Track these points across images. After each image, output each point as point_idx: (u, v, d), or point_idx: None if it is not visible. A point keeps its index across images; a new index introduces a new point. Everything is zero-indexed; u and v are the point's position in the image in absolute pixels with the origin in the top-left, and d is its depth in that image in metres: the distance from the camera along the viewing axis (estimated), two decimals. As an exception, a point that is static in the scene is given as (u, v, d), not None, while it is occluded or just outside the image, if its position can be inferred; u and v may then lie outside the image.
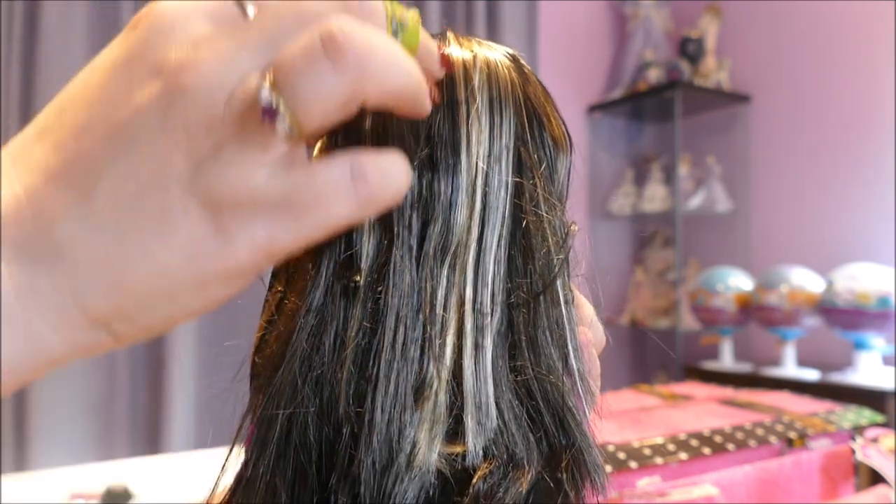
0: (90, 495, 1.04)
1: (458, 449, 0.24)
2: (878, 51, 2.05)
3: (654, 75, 2.45)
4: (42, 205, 0.19)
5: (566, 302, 0.28)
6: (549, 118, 0.31)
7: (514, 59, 0.31)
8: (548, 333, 0.27)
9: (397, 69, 0.20)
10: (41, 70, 1.59)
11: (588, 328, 0.31)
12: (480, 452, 0.25)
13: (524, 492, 0.24)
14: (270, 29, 0.20)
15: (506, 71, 0.30)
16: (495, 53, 0.30)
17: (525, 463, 0.25)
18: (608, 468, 0.91)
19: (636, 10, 2.59)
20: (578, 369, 0.28)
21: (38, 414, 1.59)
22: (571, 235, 0.30)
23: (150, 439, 1.72)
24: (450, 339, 0.26)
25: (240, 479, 0.27)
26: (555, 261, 0.28)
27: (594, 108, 2.59)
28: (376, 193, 0.21)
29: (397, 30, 0.22)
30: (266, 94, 0.19)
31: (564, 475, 0.26)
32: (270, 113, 0.19)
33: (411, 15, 0.23)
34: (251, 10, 0.21)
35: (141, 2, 1.74)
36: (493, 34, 2.25)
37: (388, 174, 0.21)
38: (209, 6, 0.21)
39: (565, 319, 0.28)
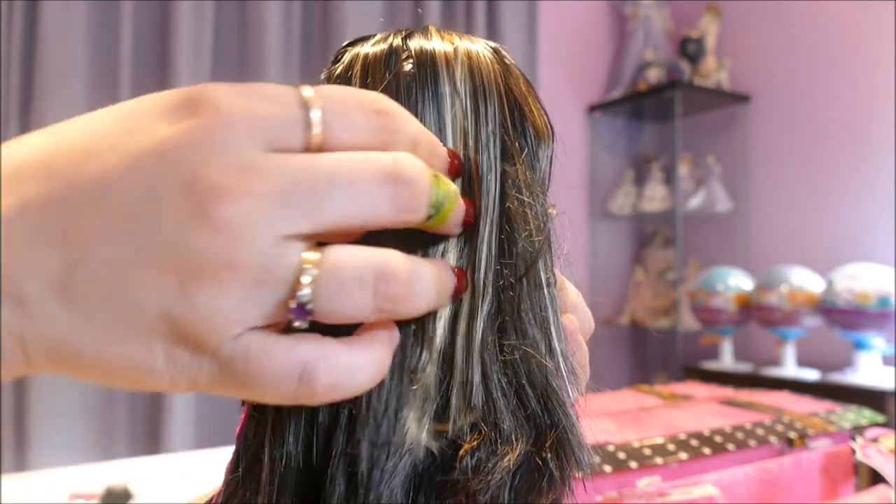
0: (90, 495, 1.04)
1: (450, 427, 0.24)
2: (877, 51, 2.05)
3: (654, 75, 2.45)
4: (25, 254, 0.19)
5: (548, 285, 0.29)
6: (530, 108, 0.31)
7: (495, 52, 0.32)
8: (530, 315, 0.28)
9: (430, 305, 0.23)
10: (41, 70, 1.59)
11: (573, 314, 0.32)
12: (468, 429, 0.25)
13: (511, 468, 0.25)
14: (319, 194, 0.20)
15: (487, 62, 0.30)
16: (477, 45, 0.31)
17: (513, 439, 0.25)
18: (607, 468, 0.91)
19: (636, 10, 2.59)
20: (561, 350, 0.28)
21: (38, 414, 1.59)
22: (551, 219, 0.30)
23: (150, 439, 1.72)
24: (442, 323, 0.26)
25: (234, 469, 0.28)
26: (536, 244, 0.28)
27: (594, 108, 2.59)
28: (315, 395, 0.21)
29: (432, 215, 0.23)
30: (307, 297, 0.19)
31: (549, 454, 0.26)
32: (301, 312, 0.20)
33: (451, 195, 0.24)
34: (317, 129, 0.21)
35: (141, 2, 1.74)
36: (493, 34, 2.25)
37: (342, 385, 0.21)
38: (274, 123, 0.20)
39: (547, 302, 0.28)
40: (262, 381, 0.20)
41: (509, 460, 0.25)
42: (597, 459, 0.91)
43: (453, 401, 0.25)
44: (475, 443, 0.25)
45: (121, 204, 0.19)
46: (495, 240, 0.28)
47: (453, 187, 0.24)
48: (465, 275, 0.27)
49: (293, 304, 0.20)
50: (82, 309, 0.19)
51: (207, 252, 0.19)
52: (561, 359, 0.28)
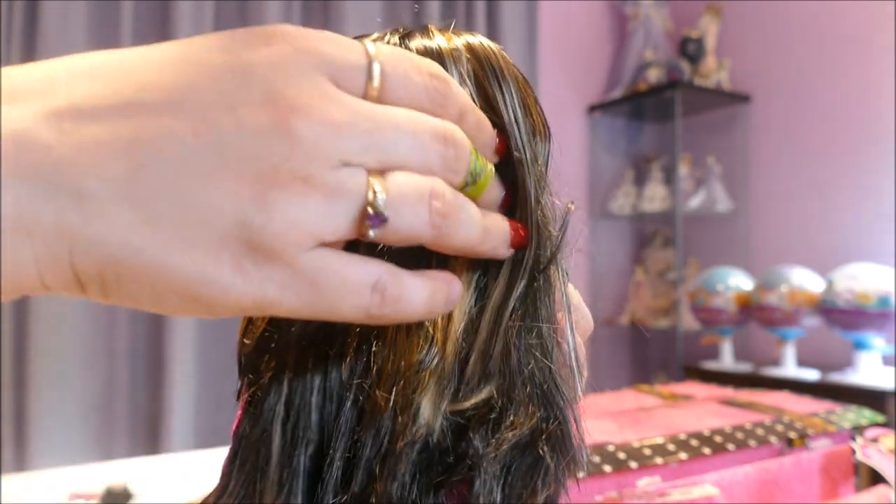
0: (90, 495, 1.04)
1: (466, 404, 0.24)
2: (878, 50, 2.05)
3: (654, 75, 2.45)
4: (88, 151, 0.19)
5: (563, 282, 0.29)
6: (527, 107, 0.31)
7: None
8: (542, 309, 0.28)
9: (475, 238, 0.24)
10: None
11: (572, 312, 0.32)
12: (481, 405, 0.25)
13: (511, 444, 0.25)
14: (386, 137, 0.21)
15: (493, 51, 0.31)
16: (479, 38, 0.31)
17: (522, 413, 0.25)
18: (607, 468, 0.91)
19: (636, 10, 2.59)
20: (572, 347, 0.28)
21: (38, 414, 1.59)
22: (570, 215, 0.30)
23: (150, 439, 1.72)
24: (467, 301, 0.26)
25: (230, 464, 0.28)
26: (556, 238, 0.29)
27: (594, 108, 2.59)
28: (385, 313, 0.22)
29: (469, 182, 0.25)
30: (383, 204, 0.21)
31: (546, 449, 0.26)
32: (377, 219, 0.21)
33: (487, 171, 0.25)
34: (376, 81, 0.22)
35: (141, 2, 1.74)
36: (493, 34, 2.25)
37: (405, 301, 0.22)
38: (342, 65, 0.21)
39: (560, 298, 0.28)
40: (340, 291, 0.21)
41: (514, 434, 0.25)
42: (596, 459, 0.91)
43: (469, 367, 0.25)
44: (488, 414, 0.25)
45: (200, 110, 0.19)
46: (535, 224, 0.28)
47: (490, 166, 0.26)
48: (523, 229, 0.27)
49: (371, 211, 0.21)
50: (149, 210, 0.19)
51: (285, 163, 0.19)
52: (571, 354, 0.28)
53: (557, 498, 0.28)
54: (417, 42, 0.30)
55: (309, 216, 0.20)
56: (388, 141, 0.21)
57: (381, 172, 0.21)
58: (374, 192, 0.21)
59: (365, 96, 0.22)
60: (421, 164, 0.22)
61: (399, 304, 0.22)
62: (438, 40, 0.30)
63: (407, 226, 0.21)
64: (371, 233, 0.21)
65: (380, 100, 0.22)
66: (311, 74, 0.20)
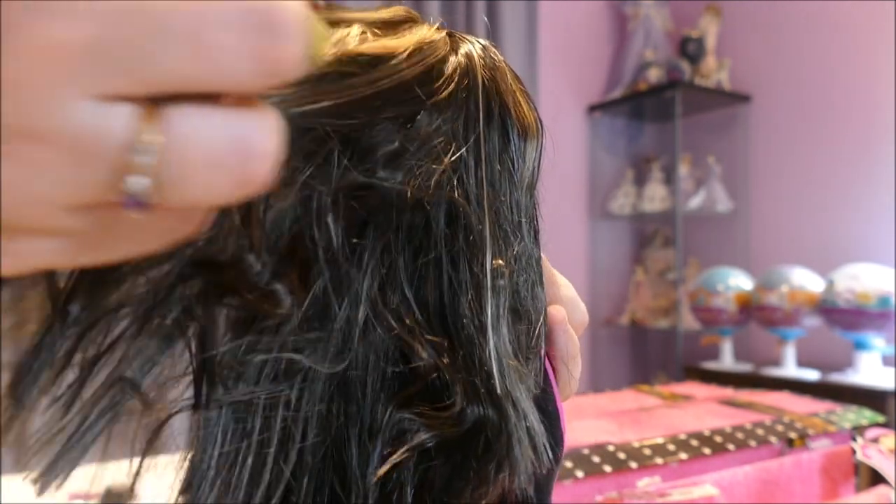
0: (90, 495, 1.04)
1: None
2: (878, 51, 2.05)
3: (654, 75, 2.45)
4: None
5: (493, 275, 0.28)
6: (518, 104, 0.31)
7: (484, 49, 0.32)
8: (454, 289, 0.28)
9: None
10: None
11: (564, 306, 0.31)
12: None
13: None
14: (147, 44, 0.14)
15: (469, 61, 0.30)
16: (464, 44, 0.31)
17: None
18: (607, 468, 0.91)
19: (636, 10, 2.59)
20: (495, 345, 0.27)
21: (37, 414, 1.59)
22: (522, 213, 0.30)
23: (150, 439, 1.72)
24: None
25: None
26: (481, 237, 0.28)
27: (594, 108, 2.59)
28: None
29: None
30: (141, 185, 0.14)
31: (462, 446, 0.25)
32: (136, 203, 0.15)
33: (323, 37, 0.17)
34: None
35: None
36: (493, 34, 2.25)
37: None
38: None
39: (484, 291, 0.27)
40: (127, 240, 0.16)
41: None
42: (596, 459, 0.91)
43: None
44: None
45: None
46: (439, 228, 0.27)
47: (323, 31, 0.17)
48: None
49: (124, 199, 0.14)
50: None
51: None
52: (492, 352, 0.27)
53: (548, 498, 0.27)
54: None
55: (47, 188, 0.14)
56: (150, 49, 0.14)
57: (156, 106, 0.14)
58: (132, 163, 0.14)
59: None
60: (217, 77, 0.14)
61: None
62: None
63: (185, 201, 0.15)
64: (133, 215, 0.15)
65: None
66: None
